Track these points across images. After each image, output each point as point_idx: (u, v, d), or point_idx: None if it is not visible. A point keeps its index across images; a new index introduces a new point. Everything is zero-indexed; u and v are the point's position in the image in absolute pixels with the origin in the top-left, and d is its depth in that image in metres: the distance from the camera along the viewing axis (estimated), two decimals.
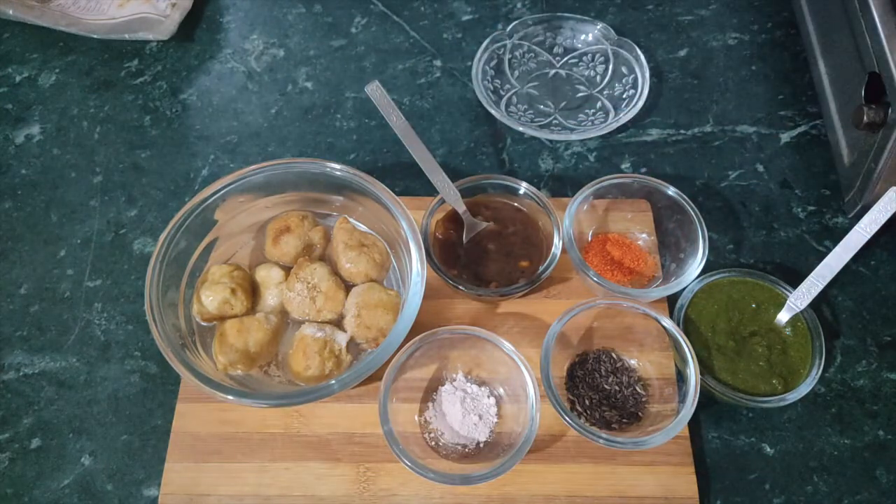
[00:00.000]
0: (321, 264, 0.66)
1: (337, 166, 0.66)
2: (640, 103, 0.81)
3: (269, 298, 0.66)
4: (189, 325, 0.63)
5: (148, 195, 0.78)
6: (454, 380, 0.65)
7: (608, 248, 0.70)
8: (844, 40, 0.74)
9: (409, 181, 0.78)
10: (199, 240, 0.66)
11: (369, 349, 0.64)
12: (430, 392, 0.65)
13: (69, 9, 0.91)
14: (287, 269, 0.67)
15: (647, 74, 0.83)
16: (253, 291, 0.66)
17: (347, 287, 0.66)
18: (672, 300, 0.68)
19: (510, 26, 0.87)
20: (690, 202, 0.69)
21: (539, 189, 0.70)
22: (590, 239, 0.73)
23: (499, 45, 0.86)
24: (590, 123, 0.82)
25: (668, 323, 0.62)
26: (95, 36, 0.88)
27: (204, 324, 0.64)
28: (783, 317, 0.66)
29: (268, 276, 0.66)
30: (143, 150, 0.81)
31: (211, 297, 0.63)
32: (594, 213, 0.73)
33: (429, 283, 0.61)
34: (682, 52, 0.89)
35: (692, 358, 0.60)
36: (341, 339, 0.63)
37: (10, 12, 0.88)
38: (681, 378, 0.62)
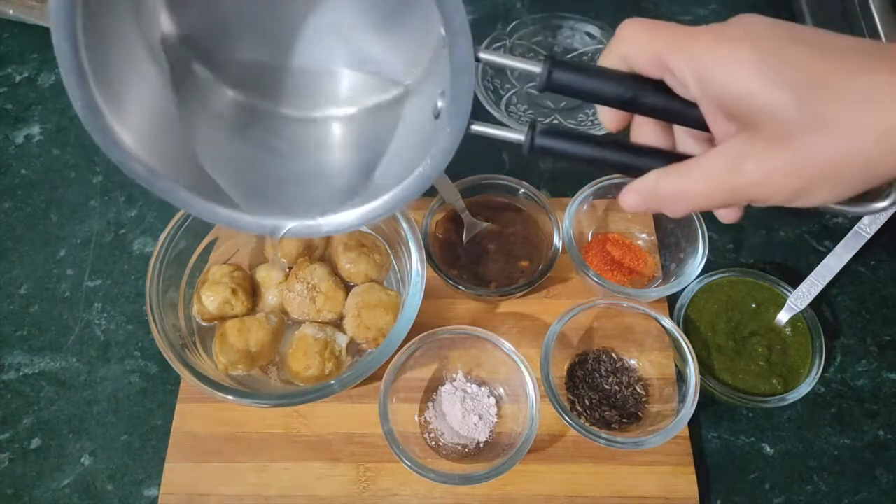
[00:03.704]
0: (321, 264, 0.66)
1: None
2: None
3: (269, 298, 0.66)
4: (189, 325, 0.63)
5: (148, 195, 0.78)
6: (454, 380, 0.65)
7: (608, 248, 0.70)
8: None
9: None
10: (199, 240, 0.66)
11: (369, 349, 0.64)
12: (430, 392, 0.65)
13: None
14: (285, 269, 0.67)
15: None
16: (253, 291, 0.66)
17: (347, 287, 0.66)
18: (672, 300, 0.68)
19: (510, 26, 0.87)
20: None
21: (539, 189, 0.70)
22: (590, 239, 0.73)
23: (499, 45, 0.86)
24: (590, 123, 0.82)
25: (668, 323, 0.62)
26: None
27: (204, 324, 0.64)
28: (783, 317, 0.66)
29: (268, 277, 0.66)
30: None
31: (212, 298, 0.63)
32: (594, 213, 0.73)
33: (429, 283, 0.61)
34: None
35: (692, 358, 0.60)
36: (342, 340, 0.63)
37: (10, 12, 0.88)
38: (681, 378, 0.62)
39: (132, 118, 0.41)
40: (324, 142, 0.49)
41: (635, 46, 0.35)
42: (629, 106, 0.36)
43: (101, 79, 0.38)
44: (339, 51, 0.47)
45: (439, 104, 0.40)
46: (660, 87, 0.35)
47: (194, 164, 0.45)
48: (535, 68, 0.36)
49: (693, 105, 0.34)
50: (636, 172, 0.37)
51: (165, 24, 0.44)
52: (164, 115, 0.44)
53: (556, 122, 0.83)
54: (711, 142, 0.36)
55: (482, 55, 0.36)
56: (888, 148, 0.29)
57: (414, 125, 0.45)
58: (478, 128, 0.38)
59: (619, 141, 0.38)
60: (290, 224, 0.46)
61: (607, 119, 0.39)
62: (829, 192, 0.32)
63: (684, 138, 0.38)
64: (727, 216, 0.37)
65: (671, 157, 0.37)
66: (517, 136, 0.39)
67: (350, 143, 0.49)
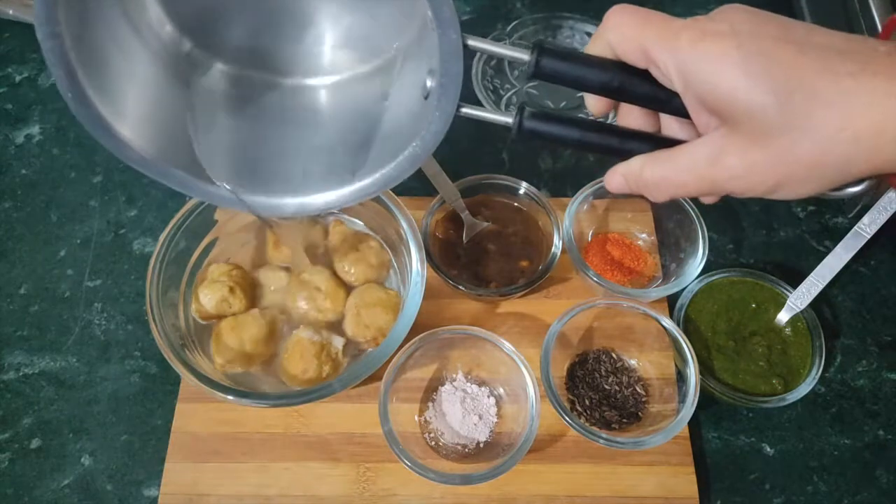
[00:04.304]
0: (321, 265, 0.66)
1: None
2: None
3: (269, 299, 0.66)
4: (189, 324, 0.63)
5: (148, 195, 0.78)
6: (454, 380, 0.65)
7: (608, 248, 0.71)
8: None
9: (409, 181, 0.77)
10: (199, 240, 0.66)
11: (369, 349, 0.64)
12: (430, 392, 0.65)
13: None
14: (288, 271, 0.67)
15: None
16: (252, 291, 0.66)
17: (347, 287, 0.66)
18: (672, 300, 0.68)
19: (510, 26, 0.87)
20: (690, 202, 0.69)
21: (539, 189, 0.70)
22: (590, 239, 0.73)
23: None
24: None
25: (668, 323, 0.62)
26: None
27: (203, 323, 0.64)
28: (783, 317, 0.66)
29: (268, 277, 0.66)
30: None
31: (209, 296, 0.63)
32: (594, 213, 0.73)
33: (429, 283, 0.61)
34: None
35: (692, 358, 0.60)
36: (338, 342, 0.63)
37: (10, 12, 0.88)
38: (681, 378, 0.62)
39: (125, 105, 0.41)
40: (317, 115, 0.49)
41: (622, 35, 0.35)
42: (615, 94, 0.37)
43: (90, 69, 0.38)
44: (325, 17, 0.47)
45: (428, 84, 0.40)
46: (646, 76, 0.35)
47: (189, 146, 0.45)
48: (524, 56, 0.37)
49: (677, 95, 0.34)
50: (623, 155, 0.39)
51: (151, 5, 0.44)
52: (157, 99, 0.44)
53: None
54: (696, 127, 0.36)
55: (471, 42, 0.37)
56: (864, 148, 0.30)
57: (403, 104, 0.46)
58: (468, 111, 0.39)
59: (606, 125, 0.39)
60: (284, 201, 0.46)
61: (593, 104, 0.40)
62: (807, 187, 0.33)
63: (670, 123, 0.39)
64: (707, 199, 0.39)
65: (657, 141, 0.38)
66: (506, 118, 0.39)
67: (343, 117, 0.49)
